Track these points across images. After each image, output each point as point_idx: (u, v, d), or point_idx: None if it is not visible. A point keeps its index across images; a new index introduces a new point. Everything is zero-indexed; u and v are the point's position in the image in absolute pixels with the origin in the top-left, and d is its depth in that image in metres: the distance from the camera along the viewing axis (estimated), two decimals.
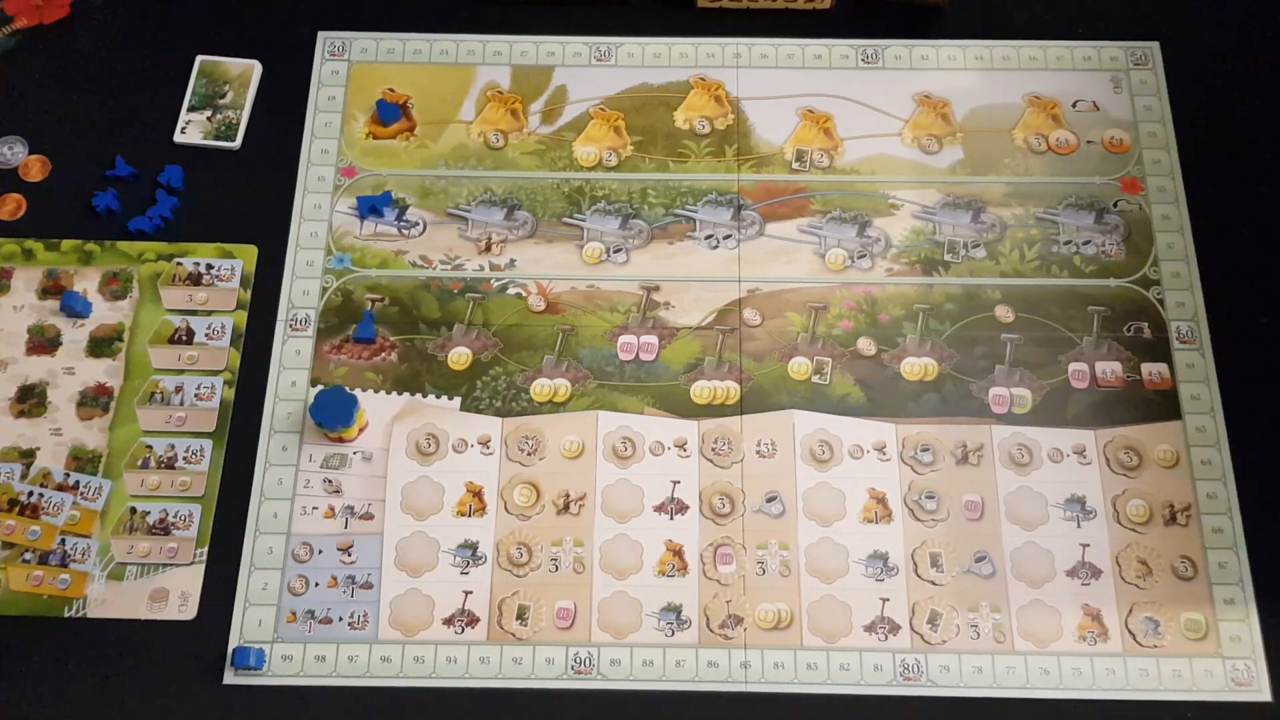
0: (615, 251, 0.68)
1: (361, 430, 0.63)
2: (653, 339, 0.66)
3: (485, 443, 0.63)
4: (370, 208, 0.69)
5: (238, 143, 0.70)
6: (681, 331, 0.66)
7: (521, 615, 0.60)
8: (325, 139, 0.71)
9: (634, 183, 0.70)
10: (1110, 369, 0.65)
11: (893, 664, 0.58)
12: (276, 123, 0.71)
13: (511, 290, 0.67)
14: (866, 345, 0.66)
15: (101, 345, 0.65)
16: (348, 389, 0.63)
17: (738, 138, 0.71)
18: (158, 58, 0.73)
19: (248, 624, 0.59)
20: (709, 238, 0.69)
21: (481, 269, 0.68)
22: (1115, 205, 0.69)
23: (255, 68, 0.72)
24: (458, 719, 0.58)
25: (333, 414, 0.61)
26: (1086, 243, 0.68)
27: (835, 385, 0.65)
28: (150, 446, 0.63)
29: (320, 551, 0.61)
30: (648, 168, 0.71)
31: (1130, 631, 0.59)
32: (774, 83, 0.73)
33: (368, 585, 0.60)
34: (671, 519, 0.62)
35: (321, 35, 0.74)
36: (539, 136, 0.71)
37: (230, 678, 0.58)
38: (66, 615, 0.59)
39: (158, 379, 0.64)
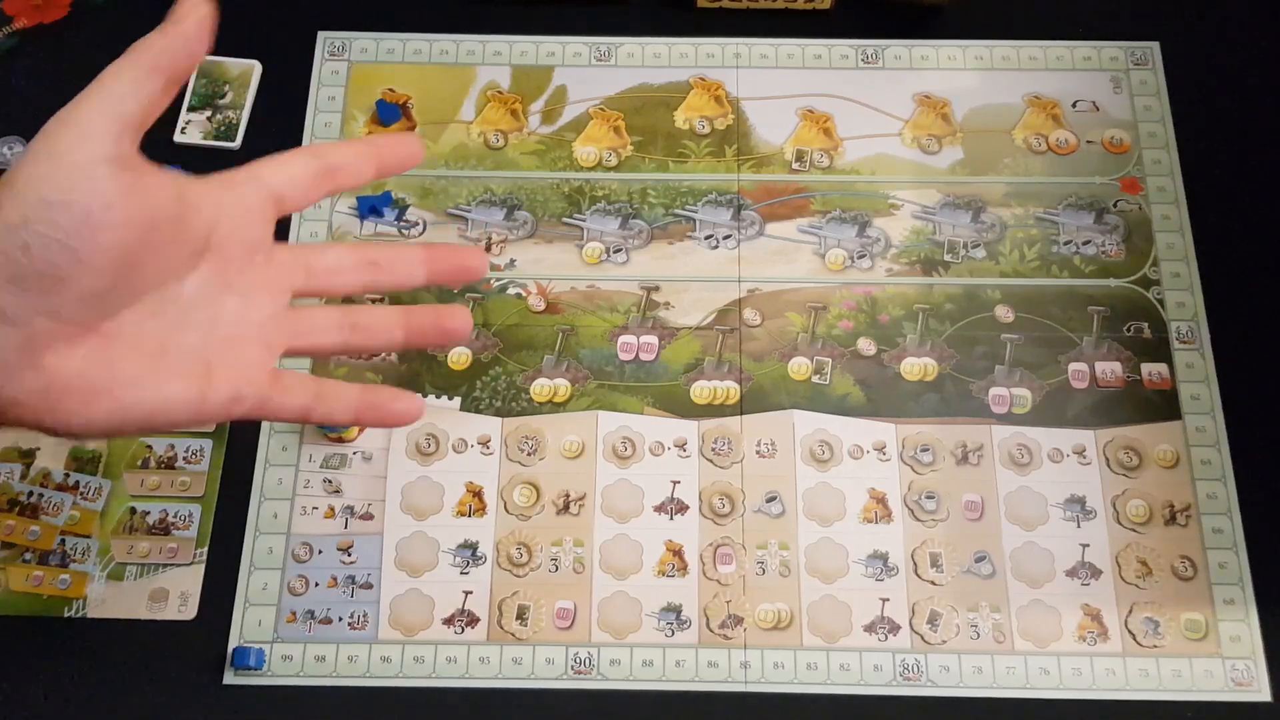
0: (615, 251, 0.68)
1: (361, 430, 0.63)
2: (653, 339, 0.66)
3: (485, 443, 0.63)
4: (370, 208, 0.69)
5: (238, 143, 0.70)
6: (681, 331, 0.66)
7: (521, 615, 0.60)
8: (325, 139, 0.71)
9: (634, 183, 0.70)
10: (1110, 369, 0.65)
11: (893, 664, 0.58)
12: (276, 123, 0.71)
13: (511, 290, 0.67)
14: (866, 345, 0.66)
15: None
16: None
17: (738, 138, 0.71)
18: None
19: (248, 624, 0.59)
20: (709, 238, 0.69)
21: None
22: (1115, 205, 0.69)
23: (255, 68, 0.72)
24: (458, 719, 0.58)
25: None
26: (1086, 243, 0.68)
27: (835, 385, 0.65)
28: (150, 446, 0.63)
29: (320, 551, 0.61)
30: (648, 168, 0.71)
31: (1130, 631, 0.59)
32: (774, 83, 0.73)
33: (368, 585, 0.60)
34: (671, 519, 0.62)
35: (321, 35, 0.74)
36: (539, 136, 0.71)
37: (230, 678, 0.58)
38: (66, 615, 0.59)
39: None
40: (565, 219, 0.69)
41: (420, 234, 0.69)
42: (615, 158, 0.71)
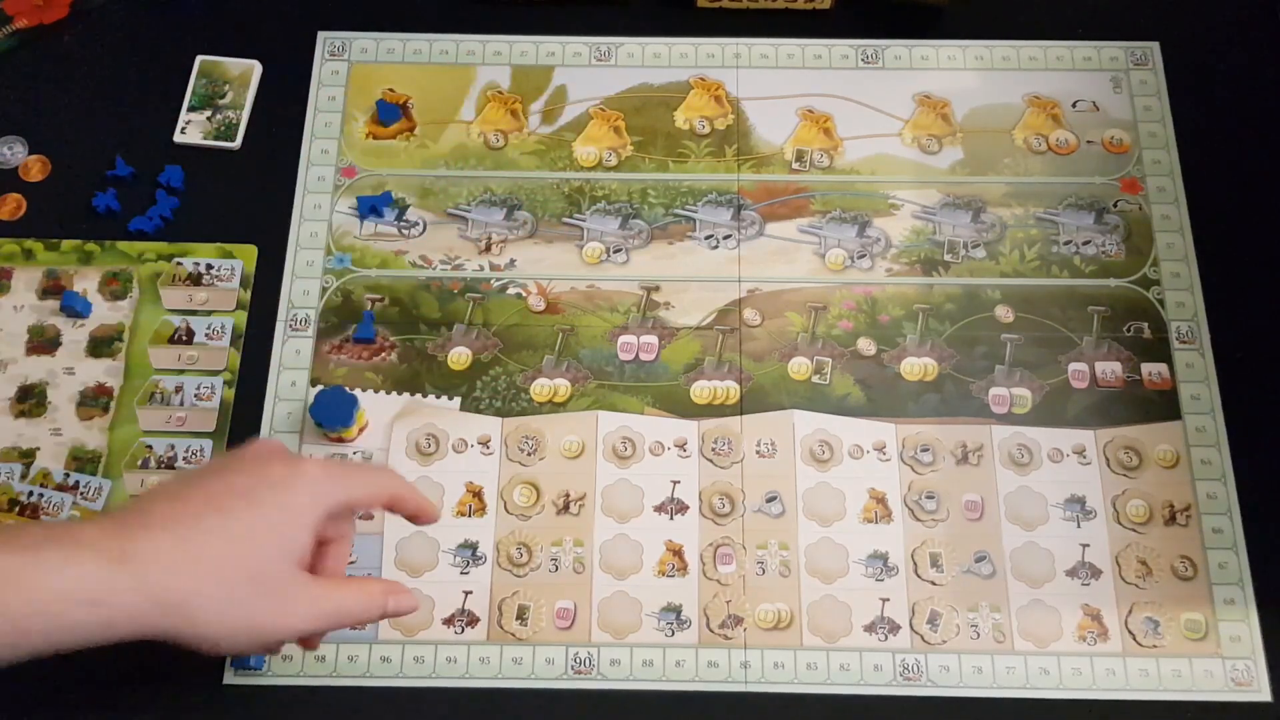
0: (615, 251, 0.68)
1: (361, 430, 0.63)
2: (653, 339, 0.66)
3: (485, 443, 0.63)
4: (370, 208, 0.69)
5: (238, 143, 0.70)
6: (681, 331, 0.66)
7: (521, 615, 0.60)
8: (325, 139, 0.71)
9: (634, 183, 0.70)
10: (1110, 369, 0.65)
11: (893, 664, 0.58)
12: (276, 123, 0.71)
13: (511, 290, 0.67)
14: (866, 345, 0.66)
15: (101, 345, 0.65)
16: (348, 389, 0.63)
17: (738, 138, 0.71)
18: (158, 58, 0.73)
19: None
20: (709, 238, 0.69)
21: (481, 269, 0.68)
22: (1115, 205, 0.69)
23: (255, 68, 0.72)
24: (458, 719, 0.58)
25: (333, 414, 0.61)
26: (1086, 243, 0.68)
27: (835, 385, 0.65)
28: (150, 446, 0.63)
29: None
30: (648, 168, 0.71)
31: (1130, 631, 0.59)
32: (774, 83, 0.73)
33: None
34: (671, 519, 0.62)
35: (321, 35, 0.74)
36: (539, 136, 0.71)
37: (230, 678, 0.58)
38: None
39: (158, 379, 0.64)
40: (565, 219, 0.69)
41: (420, 234, 0.69)
42: (615, 158, 0.71)
